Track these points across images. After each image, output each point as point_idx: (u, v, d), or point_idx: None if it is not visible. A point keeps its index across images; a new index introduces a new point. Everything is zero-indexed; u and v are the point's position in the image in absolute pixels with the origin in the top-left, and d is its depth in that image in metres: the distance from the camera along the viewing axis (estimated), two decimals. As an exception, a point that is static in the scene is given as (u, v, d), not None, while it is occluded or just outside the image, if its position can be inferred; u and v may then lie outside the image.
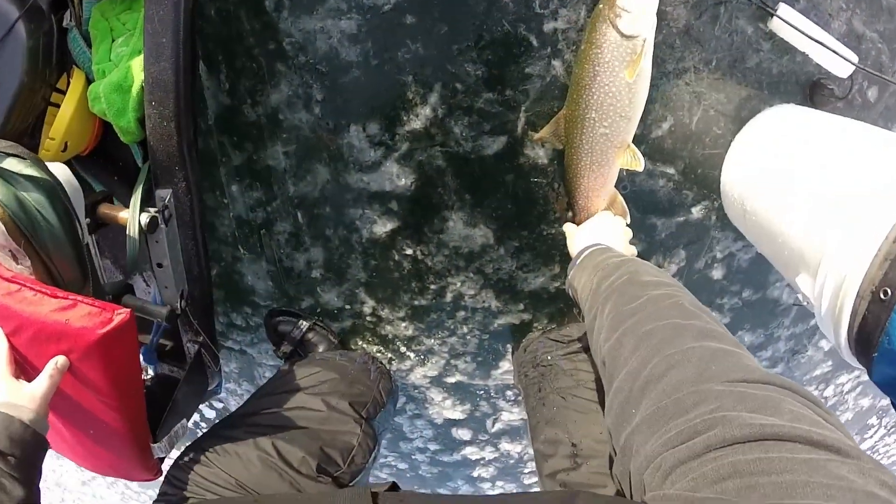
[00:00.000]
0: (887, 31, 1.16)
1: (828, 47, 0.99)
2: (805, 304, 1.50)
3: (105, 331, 0.73)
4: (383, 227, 1.28)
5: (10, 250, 0.76)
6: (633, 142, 1.02)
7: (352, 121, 1.18)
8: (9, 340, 0.75)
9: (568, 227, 1.12)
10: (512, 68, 1.08)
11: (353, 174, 1.23)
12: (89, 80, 1.10)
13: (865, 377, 1.89)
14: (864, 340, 0.77)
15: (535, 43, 1.05)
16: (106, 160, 1.23)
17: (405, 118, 1.15)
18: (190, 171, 1.00)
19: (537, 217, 1.23)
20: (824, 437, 0.42)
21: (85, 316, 0.73)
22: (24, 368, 0.77)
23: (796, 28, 0.99)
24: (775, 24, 1.04)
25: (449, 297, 1.37)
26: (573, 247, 1.06)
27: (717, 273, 1.38)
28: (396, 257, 1.32)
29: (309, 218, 1.33)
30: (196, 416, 2.01)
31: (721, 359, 0.55)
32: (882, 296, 0.74)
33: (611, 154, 1.01)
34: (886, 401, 2.06)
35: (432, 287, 1.36)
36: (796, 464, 0.39)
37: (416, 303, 1.40)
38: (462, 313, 1.41)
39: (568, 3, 1.04)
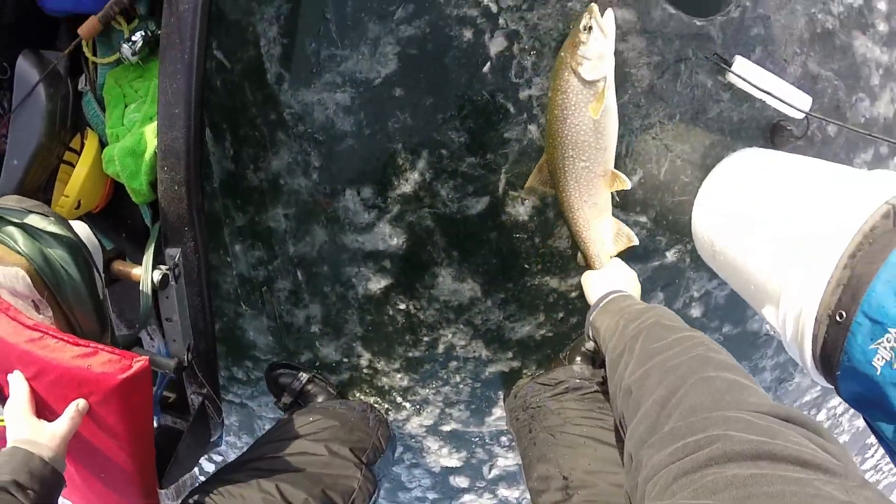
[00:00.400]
0: (842, 69, 1.26)
1: (778, 98, 1.08)
2: (773, 333, 1.54)
3: (125, 376, 0.77)
4: (377, 284, 1.34)
5: (32, 301, 0.81)
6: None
7: (347, 185, 1.26)
8: (30, 384, 0.79)
9: (586, 276, 1.18)
10: (492, 134, 1.17)
11: (349, 235, 1.30)
12: (102, 142, 1.18)
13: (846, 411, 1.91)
14: (827, 361, 0.82)
15: (512, 110, 1.15)
16: (115, 219, 1.30)
17: (396, 182, 1.23)
18: (198, 232, 1.06)
19: (520, 270, 1.29)
20: (814, 457, 0.47)
21: (106, 362, 0.77)
22: (44, 410, 0.81)
23: (750, 82, 1.08)
24: (732, 77, 1.13)
25: (441, 348, 1.42)
26: (592, 292, 1.12)
27: (695, 311, 1.44)
28: (390, 312, 1.38)
29: (308, 276, 1.39)
30: (195, 469, 2.01)
31: (736, 390, 0.61)
32: (838, 318, 0.79)
33: (596, 183, 1.08)
34: None
35: (425, 339, 1.40)
36: (787, 481, 0.44)
37: (410, 354, 1.44)
38: (454, 363, 1.45)
39: (541, 72, 1.14)
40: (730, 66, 1.11)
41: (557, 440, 1.10)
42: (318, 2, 1.15)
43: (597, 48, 0.97)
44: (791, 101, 1.10)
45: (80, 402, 0.79)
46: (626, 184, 1.08)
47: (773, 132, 1.25)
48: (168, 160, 1.02)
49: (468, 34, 1.10)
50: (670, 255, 1.33)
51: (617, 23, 1.03)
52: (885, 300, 0.73)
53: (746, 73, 1.11)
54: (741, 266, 1.04)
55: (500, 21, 1.09)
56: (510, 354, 1.42)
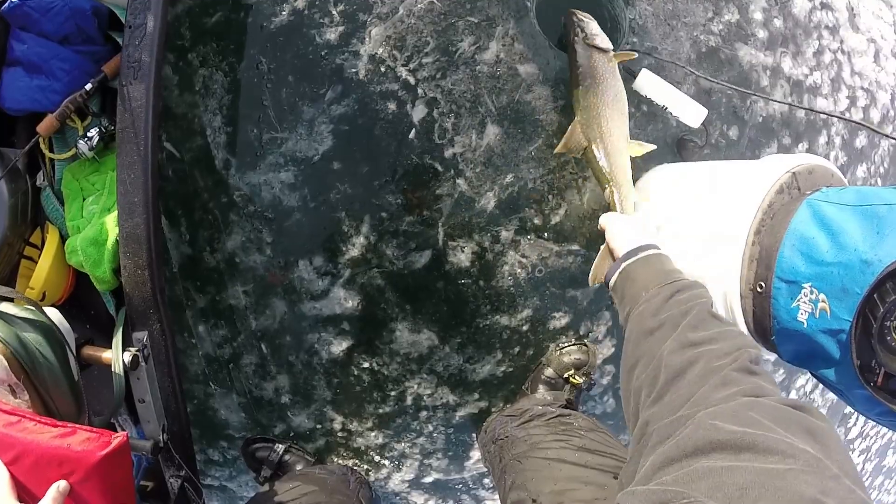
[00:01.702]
0: (731, 79, 1.38)
1: (676, 109, 1.19)
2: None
3: (104, 453, 0.75)
4: (339, 347, 1.36)
5: (9, 385, 0.80)
6: (537, 232, 1.17)
7: (299, 257, 1.30)
8: (9, 469, 0.76)
9: (612, 217, 1.05)
10: (425, 192, 1.24)
11: (307, 303, 1.33)
12: (62, 235, 1.19)
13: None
14: (761, 330, 0.88)
15: (440, 168, 1.23)
16: (79, 309, 1.29)
17: (344, 248, 1.27)
18: (163, 314, 1.07)
19: (471, 313, 1.33)
20: (791, 447, 0.46)
21: (85, 440, 0.75)
22: (25, 495, 0.78)
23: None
24: (638, 84, 1.23)
25: (409, 399, 1.42)
26: (622, 236, 0.97)
27: None
28: (355, 372, 1.39)
29: (272, 348, 1.40)
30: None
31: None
32: (759, 289, 0.86)
33: (623, 144, 1.13)
34: None
35: (392, 393, 1.41)
36: (760, 472, 0.44)
37: (380, 411, 1.44)
38: (424, 412, 1.45)
39: (461, 130, 1.22)
40: (635, 78, 1.22)
41: (525, 465, 1.10)
42: (255, 91, 1.23)
43: (594, 26, 1.12)
44: (690, 111, 1.21)
45: (62, 484, 0.76)
46: (646, 147, 1.15)
47: (679, 146, 1.36)
48: (130, 246, 1.04)
49: (392, 106, 1.19)
50: None
51: (521, 77, 1.14)
52: (794, 261, 0.81)
53: (650, 84, 1.21)
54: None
55: (419, 91, 1.19)
56: (476, 395, 1.43)
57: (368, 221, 1.25)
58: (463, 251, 1.27)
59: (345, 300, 1.32)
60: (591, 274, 1.12)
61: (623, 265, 0.91)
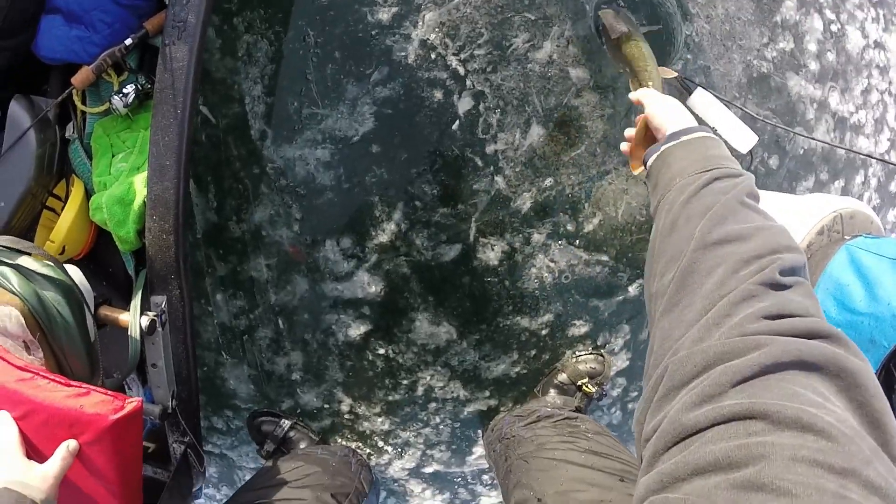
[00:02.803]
0: (778, 107, 1.34)
1: (728, 130, 1.14)
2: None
3: (118, 416, 0.74)
4: (357, 331, 1.33)
5: (24, 341, 0.78)
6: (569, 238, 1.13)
7: (327, 236, 1.27)
8: (18, 424, 0.74)
9: (651, 93, 0.92)
10: (462, 186, 1.20)
11: (329, 284, 1.30)
12: (87, 190, 1.16)
13: None
14: None
15: (479, 163, 1.19)
16: (97, 266, 1.27)
17: (373, 233, 1.24)
18: (184, 281, 1.05)
19: (493, 312, 1.30)
20: (815, 418, 0.37)
21: (98, 403, 0.73)
22: (33, 452, 0.76)
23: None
24: (692, 102, 1.18)
25: (420, 390, 1.40)
26: (670, 112, 0.83)
27: None
28: (370, 357, 1.36)
29: (289, 324, 1.37)
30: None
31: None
32: None
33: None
34: None
35: (404, 382, 1.39)
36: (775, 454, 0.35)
37: (390, 398, 1.42)
38: (434, 405, 1.43)
39: (505, 128, 1.18)
40: (690, 94, 1.16)
41: (531, 465, 1.08)
42: (299, 64, 1.19)
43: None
44: (739, 135, 1.16)
45: (71, 443, 0.74)
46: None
47: None
48: (157, 209, 1.01)
49: (438, 95, 1.15)
50: (632, 290, 1.36)
51: (572, 80, 1.09)
52: (826, 305, 0.80)
53: (704, 103, 1.15)
54: None
55: (468, 82, 1.14)
56: (487, 393, 1.41)
57: (401, 208, 1.21)
58: (493, 249, 1.24)
59: (368, 285, 1.29)
60: (630, 162, 0.96)
61: (664, 147, 0.77)
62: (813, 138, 1.36)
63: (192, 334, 1.10)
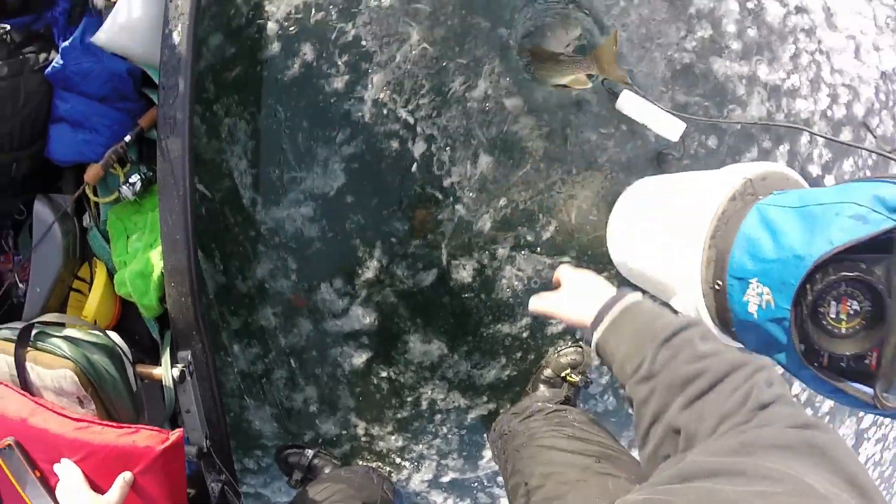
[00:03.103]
0: (707, 91, 1.48)
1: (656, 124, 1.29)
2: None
3: (165, 446, 0.87)
4: (360, 359, 1.48)
5: (77, 397, 0.93)
6: (531, 247, 1.28)
7: (321, 281, 1.43)
8: (79, 466, 0.87)
9: (565, 271, 0.97)
10: (428, 218, 1.37)
11: (329, 321, 1.46)
12: (108, 270, 1.32)
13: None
14: (724, 323, 0.98)
15: (440, 196, 1.35)
16: (125, 334, 1.44)
17: (360, 271, 1.40)
18: (204, 335, 1.20)
19: (475, 324, 1.45)
20: (781, 473, 0.46)
21: (147, 437, 0.87)
22: (94, 488, 0.88)
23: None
24: (619, 104, 1.33)
25: (424, 404, 1.54)
26: (577, 309, 0.88)
27: None
28: (375, 381, 1.51)
29: (300, 362, 1.53)
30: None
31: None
32: (716, 287, 0.96)
33: None
34: None
35: (409, 399, 1.53)
36: (745, 494, 0.44)
37: (398, 416, 1.56)
38: (439, 416, 1.57)
39: (457, 162, 1.35)
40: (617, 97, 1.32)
41: (522, 454, 1.21)
42: (274, 136, 1.37)
43: None
44: (668, 126, 1.31)
45: (127, 475, 0.87)
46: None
47: (658, 160, 1.46)
48: (174, 277, 1.17)
49: (395, 144, 1.32)
50: None
51: (508, 110, 1.26)
52: (743, 260, 0.91)
53: (630, 103, 1.31)
54: (649, 273, 1.21)
55: (418, 129, 1.32)
56: (485, 398, 1.55)
57: (380, 246, 1.38)
58: (465, 268, 1.40)
59: (363, 317, 1.44)
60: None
61: (596, 338, 0.82)
62: (735, 121, 1.50)
63: (216, 381, 1.25)
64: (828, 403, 2.13)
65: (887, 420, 2.43)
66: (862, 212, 0.77)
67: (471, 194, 1.35)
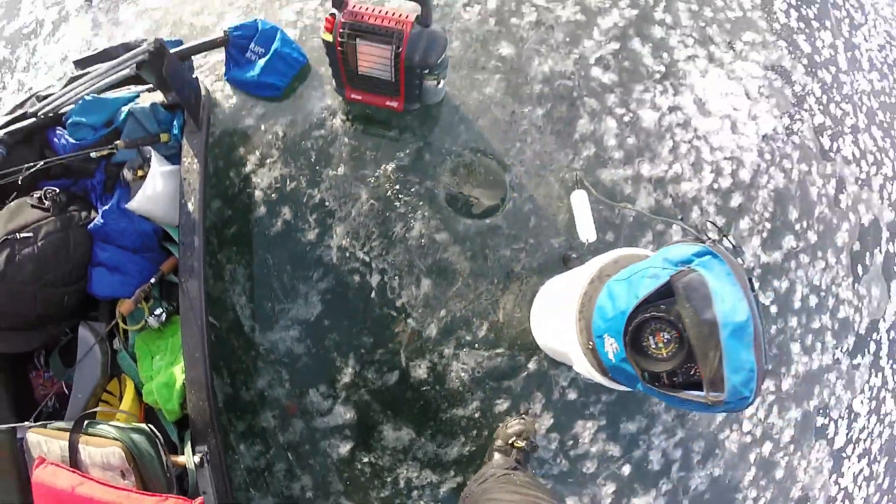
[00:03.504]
0: (597, 198, 1.88)
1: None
2: (582, 377, 1.96)
3: None
4: (344, 448, 1.81)
5: (121, 470, 1.23)
6: (470, 345, 1.65)
7: (309, 387, 1.79)
8: None
9: None
10: (387, 333, 1.75)
11: (318, 419, 1.80)
12: (135, 384, 1.66)
13: (769, 401, 2.17)
14: (603, 372, 1.29)
15: (394, 314, 1.74)
16: None
17: (339, 377, 1.77)
18: (217, 433, 1.53)
19: (435, 411, 1.79)
20: None
21: (175, 501, 1.18)
22: None
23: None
24: (573, 196, 1.71)
25: (402, 483, 1.85)
26: None
27: (572, 395, 1.89)
28: (358, 466, 1.83)
29: (296, 456, 1.85)
30: None
31: None
32: (590, 346, 1.28)
33: None
34: (815, 402, 2.28)
35: (388, 479, 1.84)
36: None
37: (381, 495, 1.86)
38: (416, 492, 1.87)
39: (405, 287, 1.75)
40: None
41: (475, 509, 1.52)
42: (266, 277, 1.78)
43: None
44: (586, 230, 1.72)
45: None
46: None
47: (564, 261, 1.85)
48: (194, 387, 1.52)
49: (357, 278, 1.73)
50: (532, 366, 1.84)
51: (439, 242, 1.67)
52: (598, 323, 1.23)
53: (579, 201, 1.71)
54: (558, 349, 1.54)
55: (373, 265, 1.73)
56: (452, 472, 1.85)
57: (353, 357, 1.75)
58: (420, 367, 1.76)
59: (344, 413, 1.79)
60: None
61: None
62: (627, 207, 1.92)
63: (226, 470, 1.58)
64: (787, 433, 2.26)
65: (863, 435, 2.48)
66: (656, 271, 1.13)
67: (418, 310, 1.74)
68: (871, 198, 2.67)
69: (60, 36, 2.61)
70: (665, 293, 1.11)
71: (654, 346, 1.14)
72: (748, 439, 2.13)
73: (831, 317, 2.38)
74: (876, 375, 2.53)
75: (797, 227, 2.31)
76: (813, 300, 2.31)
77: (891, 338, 2.65)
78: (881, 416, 2.58)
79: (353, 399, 1.78)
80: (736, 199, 2.17)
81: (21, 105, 1.93)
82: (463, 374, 1.78)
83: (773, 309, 2.19)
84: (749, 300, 1.05)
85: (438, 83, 1.67)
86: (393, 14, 1.56)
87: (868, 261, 2.57)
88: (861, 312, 2.51)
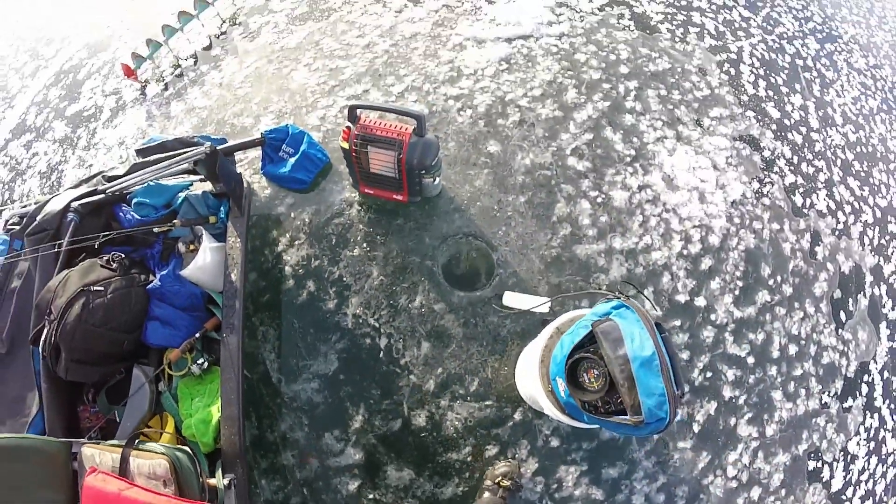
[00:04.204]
0: (574, 269, 2.18)
1: (534, 306, 2.03)
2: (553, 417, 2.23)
3: None
4: (354, 485, 2.12)
5: (164, 480, 1.53)
6: (463, 398, 1.98)
7: (325, 431, 2.12)
8: None
9: None
10: (392, 385, 2.08)
11: (331, 459, 2.12)
12: (175, 421, 1.99)
13: (753, 447, 2.35)
14: (561, 409, 1.57)
15: (398, 371, 2.07)
16: None
17: (350, 423, 2.10)
18: (244, 464, 1.85)
19: (432, 454, 2.09)
20: None
21: None
22: None
23: (516, 308, 2.04)
24: (505, 301, 2.07)
25: (403, 517, 2.15)
26: None
27: (555, 442, 2.15)
28: (365, 502, 2.13)
29: (311, 491, 2.16)
30: None
31: None
32: (550, 389, 1.57)
33: None
34: (804, 446, 2.45)
35: (392, 514, 2.14)
36: None
37: (386, 527, 2.16)
38: (415, 526, 2.16)
39: (408, 348, 2.08)
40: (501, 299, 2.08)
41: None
42: (292, 337, 2.13)
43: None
44: (539, 306, 2.05)
45: None
46: None
47: (543, 324, 2.16)
48: (228, 423, 1.85)
49: (368, 340, 2.08)
50: (517, 416, 2.14)
51: (436, 311, 2.02)
52: (553, 369, 1.53)
53: (513, 300, 2.06)
54: (535, 396, 1.84)
55: (381, 330, 2.08)
56: (447, 509, 2.15)
57: (363, 406, 2.09)
58: (420, 416, 2.08)
59: (354, 454, 2.11)
60: None
61: None
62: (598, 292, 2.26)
63: (250, 495, 1.89)
64: (777, 477, 2.37)
65: (863, 477, 2.59)
66: (585, 322, 1.47)
67: (419, 368, 2.07)
68: (850, 246, 2.90)
69: (118, 122, 3.08)
70: (592, 338, 1.45)
71: (588, 382, 1.47)
72: (734, 484, 2.29)
73: (814, 363, 2.54)
74: (871, 416, 2.68)
75: (770, 282, 2.53)
76: (792, 349, 2.49)
77: (884, 378, 2.79)
78: (883, 457, 2.69)
79: (361, 442, 2.10)
80: (706, 263, 2.42)
81: (88, 181, 2.37)
82: (457, 422, 2.10)
83: (751, 360, 2.39)
84: (655, 339, 1.37)
85: (434, 180, 2.06)
86: (395, 126, 1.96)
87: (852, 306, 2.76)
88: (848, 357, 2.68)
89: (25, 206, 2.42)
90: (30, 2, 4.62)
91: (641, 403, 1.33)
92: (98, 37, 3.64)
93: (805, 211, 2.80)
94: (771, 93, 2.94)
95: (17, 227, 2.31)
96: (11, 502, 1.58)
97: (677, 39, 2.75)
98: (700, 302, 2.36)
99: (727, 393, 2.32)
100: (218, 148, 2.02)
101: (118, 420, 2.04)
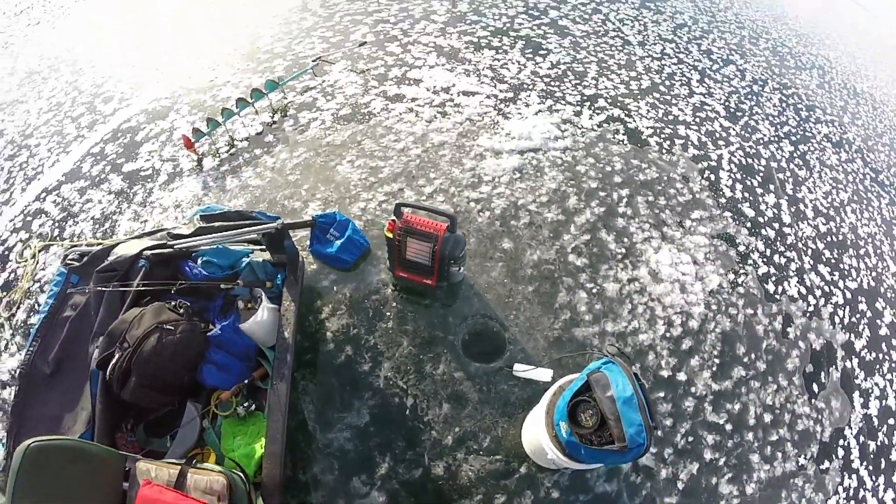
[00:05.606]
0: (572, 348, 2.60)
1: (539, 378, 2.45)
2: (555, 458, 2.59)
3: None
4: (377, 525, 2.48)
5: (218, 495, 1.82)
6: (477, 452, 2.38)
7: (354, 475, 2.49)
8: None
9: None
10: (416, 438, 2.46)
11: (357, 500, 2.49)
12: (216, 457, 2.31)
13: (736, 467, 2.69)
14: (563, 451, 1.95)
15: (422, 427, 2.46)
16: None
17: (377, 470, 2.47)
18: (281, 496, 2.20)
19: (448, 499, 2.46)
20: None
21: None
22: None
23: (524, 376, 2.46)
24: (516, 371, 2.49)
25: (418, 555, 2.50)
26: None
27: (555, 494, 2.49)
28: (387, 539, 2.49)
29: (340, 529, 2.52)
30: None
31: None
32: (555, 435, 1.97)
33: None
34: (803, 460, 2.75)
35: (408, 551, 2.49)
36: None
37: (402, 563, 2.50)
38: (428, 563, 2.51)
39: (430, 408, 2.49)
40: (512, 370, 2.50)
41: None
42: (329, 392, 2.52)
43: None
44: (544, 375, 2.47)
45: None
46: None
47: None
48: (270, 458, 2.17)
49: (397, 399, 2.48)
50: (523, 469, 2.52)
51: (456, 378, 2.44)
52: (556, 416, 1.90)
53: (521, 370, 2.48)
54: (540, 446, 2.25)
55: (409, 391, 2.48)
56: (456, 550, 2.51)
57: (389, 455, 2.47)
58: (439, 466, 2.46)
59: (378, 497, 2.47)
60: None
61: None
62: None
63: None
64: None
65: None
66: (582, 374, 1.87)
67: (439, 425, 2.47)
68: (821, 325, 3.32)
69: (175, 187, 3.52)
70: (588, 387, 1.88)
71: (584, 420, 1.88)
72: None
73: (789, 429, 2.88)
74: (850, 477, 2.97)
75: (745, 359, 2.92)
76: (767, 417, 2.83)
77: (860, 442, 3.10)
78: (866, 513, 2.92)
79: (386, 487, 2.48)
80: (686, 343, 2.83)
81: (151, 234, 2.79)
82: (471, 473, 2.48)
83: (729, 426, 2.73)
84: (634, 384, 1.79)
85: (460, 269, 2.51)
86: (432, 223, 2.43)
87: (824, 378, 3.11)
88: (822, 423, 3.02)
89: (90, 246, 2.80)
90: (90, 60, 5.13)
91: (625, 432, 1.76)
92: (157, 105, 4.13)
93: (777, 297, 3.24)
94: (747, 194, 3.45)
95: (77, 264, 2.63)
96: (71, 499, 1.75)
97: (664, 151, 3.27)
98: (681, 377, 2.77)
99: (708, 455, 2.68)
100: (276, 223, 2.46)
101: (159, 448, 2.33)
